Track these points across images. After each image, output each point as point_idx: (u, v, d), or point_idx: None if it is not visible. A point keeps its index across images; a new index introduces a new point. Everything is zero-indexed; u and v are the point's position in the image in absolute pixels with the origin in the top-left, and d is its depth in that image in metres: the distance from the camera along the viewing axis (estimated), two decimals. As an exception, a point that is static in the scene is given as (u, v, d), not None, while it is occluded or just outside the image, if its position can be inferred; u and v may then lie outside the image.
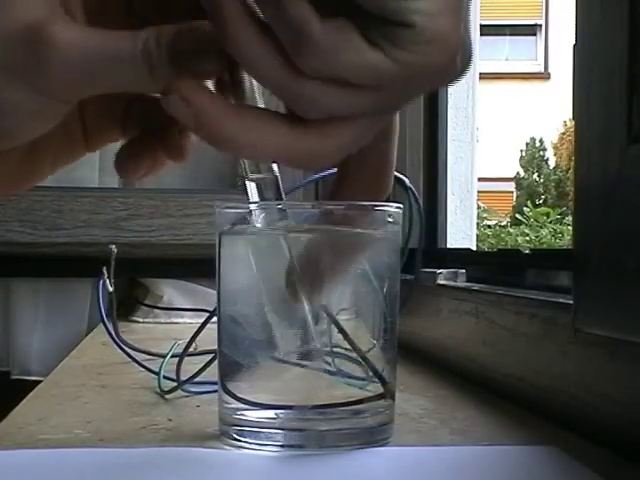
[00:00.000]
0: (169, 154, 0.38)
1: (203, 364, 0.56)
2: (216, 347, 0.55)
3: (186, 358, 0.58)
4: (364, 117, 0.32)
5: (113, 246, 0.64)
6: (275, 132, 0.31)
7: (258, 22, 0.30)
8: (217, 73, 0.33)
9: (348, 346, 0.41)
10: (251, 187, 0.38)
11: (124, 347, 0.66)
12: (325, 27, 0.29)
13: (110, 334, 0.66)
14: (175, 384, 0.56)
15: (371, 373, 0.42)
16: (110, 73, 0.31)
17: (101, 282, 0.64)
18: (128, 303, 1.18)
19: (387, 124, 0.35)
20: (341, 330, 0.41)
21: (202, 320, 0.59)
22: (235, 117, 0.31)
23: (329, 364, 0.41)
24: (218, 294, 0.44)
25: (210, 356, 0.55)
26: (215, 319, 0.54)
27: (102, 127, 0.39)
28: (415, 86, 0.31)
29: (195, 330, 0.59)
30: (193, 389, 0.56)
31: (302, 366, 0.41)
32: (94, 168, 1.17)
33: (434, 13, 0.29)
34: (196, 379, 0.56)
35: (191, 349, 0.58)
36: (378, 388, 0.42)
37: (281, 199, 0.38)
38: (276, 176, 0.37)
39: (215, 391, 0.45)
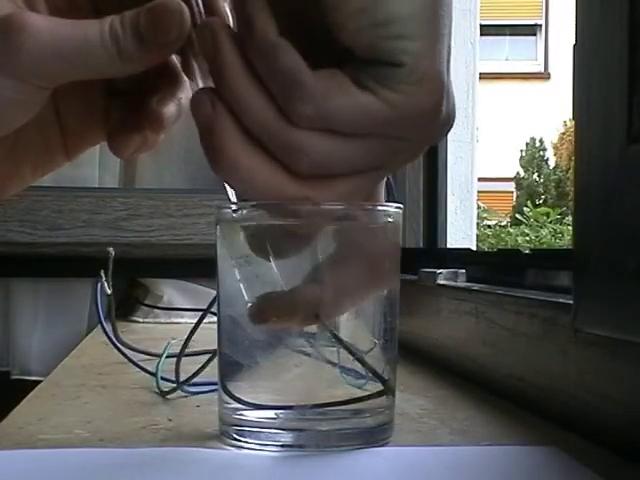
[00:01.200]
0: (151, 127, 0.38)
1: (202, 364, 0.56)
2: (213, 347, 0.55)
3: (186, 358, 0.58)
4: (356, 176, 0.32)
5: (111, 248, 0.64)
6: (269, 167, 0.31)
7: (255, 74, 0.31)
8: (180, 45, 0.34)
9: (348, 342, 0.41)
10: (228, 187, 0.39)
11: (123, 349, 0.66)
12: (316, 75, 0.30)
13: (109, 337, 0.66)
14: (174, 385, 0.56)
15: (371, 373, 0.42)
16: (81, 56, 0.32)
17: (99, 285, 0.64)
18: (128, 303, 1.18)
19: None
20: (335, 337, 0.41)
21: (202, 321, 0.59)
22: (243, 141, 0.32)
23: (333, 364, 0.41)
24: (218, 294, 0.44)
25: (208, 356, 0.56)
26: (209, 318, 0.55)
27: (81, 132, 0.39)
28: (404, 138, 0.32)
29: (192, 329, 0.59)
30: (192, 389, 0.56)
31: (305, 354, 0.41)
32: (94, 166, 1.17)
33: (422, 54, 0.30)
34: (196, 379, 0.56)
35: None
36: (378, 387, 0.42)
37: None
38: None
39: (214, 391, 0.45)
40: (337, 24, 0.30)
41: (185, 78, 0.38)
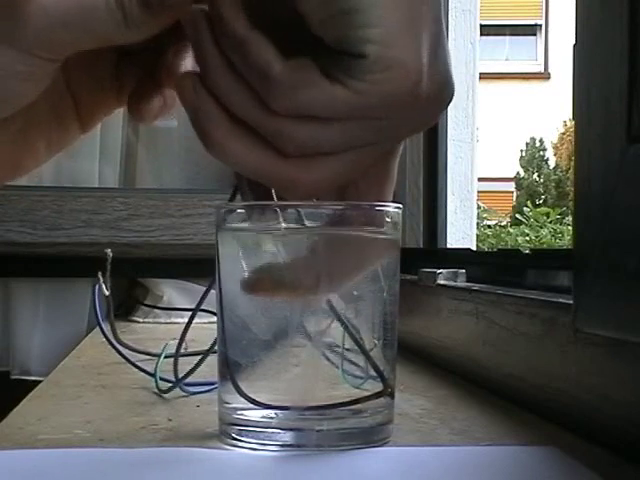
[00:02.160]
0: (170, 83, 0.38)
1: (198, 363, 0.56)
2: (207, 346, 0.55)
3: (187, 358, 0.58)
4: (348, 153, 0.32)
5: (109, 250, 0.64)
6: (257, 149, 0.32)
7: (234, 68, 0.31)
8: (188, 8, 0.33)
9: (348, 345, 0.41)
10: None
11: (122, 351, 0.66)
12: (286, 67, 0.31)
13: (107, 338, 0.66)
14: (171, 384, 0.56)
15: (371, 371, 0.42)
16: (87, 24, 0.32)
17: (97, 287, 0.64)
18: (128, 303, 1.18)
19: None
20: (345, 327, 0.41)
21: (202, 320, 0.59)
22: (228, 127, 0.32)
23: (336, 365, 0.41)
24: (219, 293, 0.44)
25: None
26: (210, 317, 0.55)
27: (94, 101, 0.39)
28: (387, 118, 0.32)
29: (183, 328, 0.59)
30: (192, 389, 0.56)
31: (305, 346, 0.41)
32: (94, 158, 1.17)
33: (388, 42, 0.30)
34: (195, 379, 0.56)
35: (182, 349, 0.58)
36: (377, 387, 0.42)
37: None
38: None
39: (210, 390, 0.44)
40: (306, 14, 0.30)
41: None
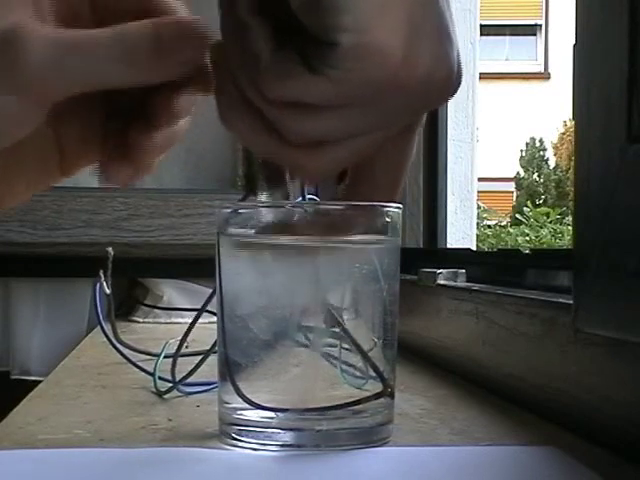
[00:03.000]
0: (139, 157, 0.37)
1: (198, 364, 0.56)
2: (207, 346, 0.55)
3: (186, 358, 0.58)
4: (349, 141, 0.32)
5: (110, 248, 0.64)
6: (265, 133, 0.32)
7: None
8: (200, 58, 0.33)
9: (347, 346, 0.41)
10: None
11: (122, 350, 0.66)
12: (274, 56, 0.30)
13: (107, 337, 0.66)
14: (171, 384, 0.56)
15: (370, 372, 0.42)
16: (86, 64, 0.31)
17: (98, 285, 0.64)
18: (128, 303, 1.18)
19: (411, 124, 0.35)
20: (343, 329, 0.41)
21: (203, 320, 0.59)
22: (240, 105, 0.32)
23: (333, 359, 0.41)
24: (219, 294, 0.44)
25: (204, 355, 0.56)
26: (210, 317, 0.55)
27: (80, 152, 0.39)
28: (380, 104, 0.31)
29: (186, 329, 0.59)
30: (190, 389, 0.56)
31: (304, 346, 0.41)
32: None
33: (361, 28, 0.29)
34: (194, 379, 0.56)
35: (183, 348, 0.58)
36: (377, 387, 0.42)
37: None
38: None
39: (208, 390, 0.44)
40: (289, 0, 0.30)
41: (183, 106, 0.37)
